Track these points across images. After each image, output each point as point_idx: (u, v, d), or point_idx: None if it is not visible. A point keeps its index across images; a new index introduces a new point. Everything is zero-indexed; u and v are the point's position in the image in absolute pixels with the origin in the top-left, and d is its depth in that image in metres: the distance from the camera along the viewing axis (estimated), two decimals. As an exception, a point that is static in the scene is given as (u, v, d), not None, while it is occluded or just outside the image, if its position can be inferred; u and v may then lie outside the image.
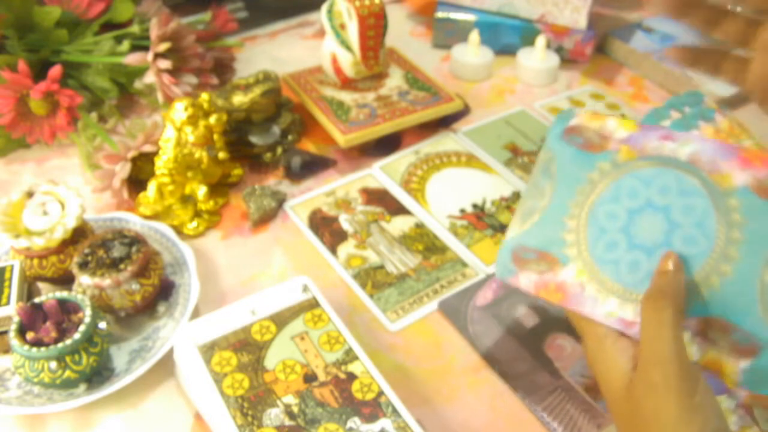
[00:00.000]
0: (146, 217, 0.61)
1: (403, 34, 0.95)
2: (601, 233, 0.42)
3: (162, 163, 0.61)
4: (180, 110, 0.61)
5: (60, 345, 0.46)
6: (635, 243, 0.41)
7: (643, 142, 0.41)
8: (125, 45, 0.73)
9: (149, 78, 0.69)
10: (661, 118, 0.49)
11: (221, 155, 0.65)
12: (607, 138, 0.42)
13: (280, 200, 0.65)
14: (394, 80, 0.76)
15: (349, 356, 0.47)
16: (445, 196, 0.67)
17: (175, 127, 0.61)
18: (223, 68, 0.82)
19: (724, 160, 0.38)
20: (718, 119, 0.45)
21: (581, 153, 0.43)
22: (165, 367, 0.50)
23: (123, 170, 0.61)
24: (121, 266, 0.51)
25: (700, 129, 0.43)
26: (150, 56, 0.67)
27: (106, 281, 0.50)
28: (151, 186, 0.61)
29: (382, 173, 0.69)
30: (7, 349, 0.50)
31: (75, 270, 0.51)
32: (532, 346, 0.53)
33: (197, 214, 0.63)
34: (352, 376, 0.46)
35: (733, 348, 0.38)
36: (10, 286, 0.51)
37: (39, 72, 0.68)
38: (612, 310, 0.40)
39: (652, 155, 0.41)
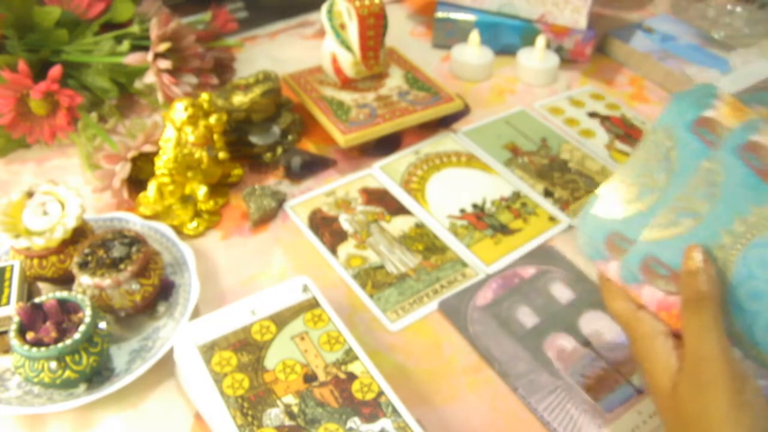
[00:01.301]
0: (146, 217, 0.61)
1: (403, 34, 0.95)
2: (748, 277, 0.36)
3: (162, 163, 0.61)
4: (180, 110, 0.61)
5: (60, 345, 0.46)
6: None
7: None
8: (125, 45, 0.73)
9: (149, 78, 0.69)
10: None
11: (221, 155, 0.65)
12: None
13: (280, 200, 0.65)
14: (394, 80, 0.76)
15: (349, 356, 0.47)
16: (445, 196, 0.67)
17: (175, 127, 0.61)
18: (223, 68, 0.82)
19: None
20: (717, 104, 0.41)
21: (755, 179, 0.37)
22: (165, 367, 0.50)
23: (123, 170, 0.61)
24: (121, 266, 0.51)
25: None
26: (150, 56, 0.67)
27: (106, 281, 0.50)
28: (151, 186, 0.61)
29: (382, 173, 0.69)
30: (7, 349, 0.50)
31: (75, 270, 0.51)
32: (532, 346, 0.53)
33: (197, 214, 0.63)
34: (352, 376, 0.46)
35: None
36: (10, 286, 0.51)
37: (39, 72, 0.68)
38: None
39: None
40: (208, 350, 0.47)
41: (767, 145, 0.37)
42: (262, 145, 0.69)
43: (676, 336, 0.39)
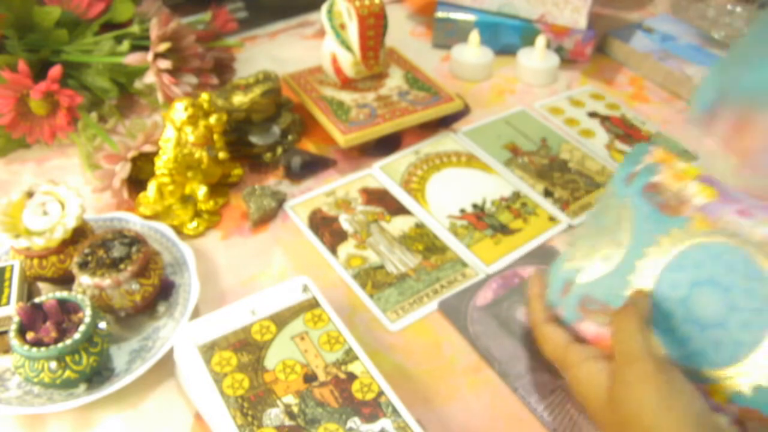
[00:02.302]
0: (146, 217, 0.61)
1: (403, 34, 0.95)
2: (661, 300, 0.41)
3: (162, 163, 0.61)
4: (180, 110, 0.61)
5: (60, 345, 0.46)
6: (692, 316, 0.40)
7: (719, 214, 0.40)
8: (125, 45, 0.73)
9: (149, 78, 0.68)
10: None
11: (221, 155, 0.65)
12: (685, 203, 0.42)
13: (280, 200, 0.65)
14: (394, 80, 0.76)
15: (349, 356, 0.47)
16: (445, 196, 0.67)
17: (175, 127, 0.61)
18: (223, 68, 0.82)
19: None
20: (663, 170, 0.46)
21: (657, 213, 0.42)
22: (165, 367, 0.50)
23: (123, 170, 0.61)
24: (121, 266, 0.51)
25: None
26: (150, 56, 0.67)
27: (106, 281, 0.50)
28: (151, 186, 0.61)
29: (382, 173, 0.69)
30: (7, 349, 0.50)
31: (75, 270, 0.51)
32: (532, 346, 0.53)
33: (197, 214, 0.63)
34: (352, 376, 0.46)
35: None
36: (10, 286, 0.51)
37: (39, 72, 0.68)
38: None
39: (725, 229, 0.39)
40: (208, 350, 0.47)
41: (664, 183, 0.43)
42: (262, 145, 0.69)
43: (604, 359, 0.41)
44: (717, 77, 0.47)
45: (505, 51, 0.88)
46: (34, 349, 0.45)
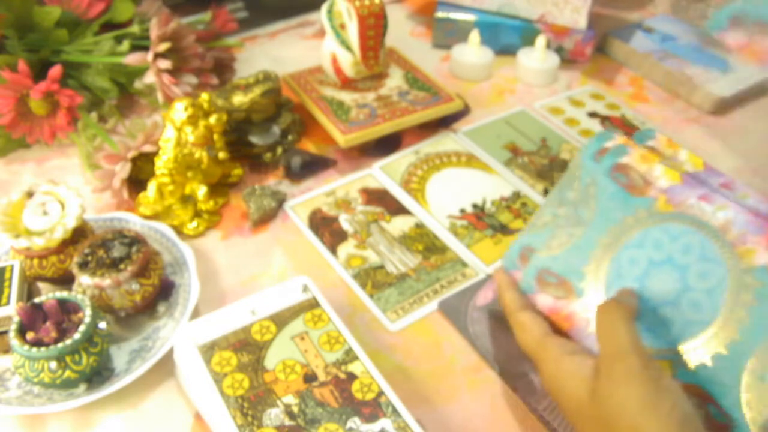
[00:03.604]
0: (146, 217, 0.61)
1: (403, 34, 0.95)
2: (618, 277, 0.43)
3: (162, 163, 0.61)
4: (180, 110, 0.61)
5: (60, 345, 0.46)
6: (647, 294, 0.41)
7: (682, 198, 0.41)
8: (125, 45, 0.73)
9: (149, 78, 0.68)
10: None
11: (221, 155, 0.65)
12: (650, 184, 0.43)
13: (280, 200, 0.65)
14: (394, 80, 0.76)
15: (349, 356, 0.47)
16: (445, 196, 0.67)
17: (175, 127, 0.61)
18: (223, 68, 0.82)
19: (755, 234, 0.38)
20: (658, 137, 0.47)
21: (623, 193, 0.44)
22: (165, 367, 0.50)
23: (123, 170, 0.61)
24: (121, 266, 0.51)
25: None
26: (150, 56, 0.67)
27: (106, 281, 0.50)
28: (151, 186, 0.61)
29: (382, 173, 0.69)
30: (7, 349, 0.50)
31: (75, 270, 0.51)
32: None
33: (197, 214, 0.63)
34: (352, 376, 0.46)
35: (705, 419, 0.38)
36: (10, 286, 0.51)
37: (39, 72, 0.68)
38: None
39: (686, 213, 0.41)
40: (208, 350, 0.47)
41: (631, 165, 0.44)
42: (262, 145, 0.69)
43: (583, 353, 0.42)
44: (730, 9, 0.49)
45: (505, 51, 0.88)
46: (34, 349, 0.45)
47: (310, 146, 0.73)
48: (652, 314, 0.41)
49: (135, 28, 0.74)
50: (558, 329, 0.45)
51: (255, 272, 0.59)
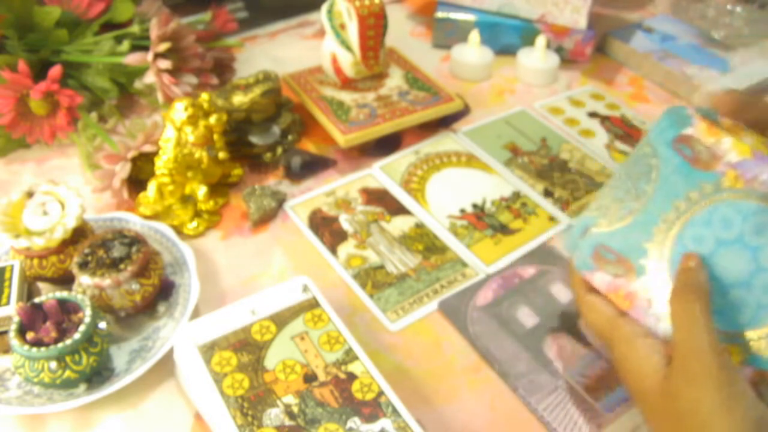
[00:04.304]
0: (146, 217, 0.61)
1: (403, 34, 0.95)
2: (682, 254, 0.40)
3: (162, 163, 0.61)
4: (180, 110, 0.61)
5: (60, 345, 0.46)
6: (715, 275, 0.39)
7: (754, 173, 0.38)
8: (125, 45, 0.73)
9: (149, 78, 0.68)
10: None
11: (221, 155, 0.65)
12: (718, 158, 0.40)
13: (280, 200, 0.65)
14: (394, 80, 0.76)
15: (349, 356, 0.47)
16: (445, 196, 0.67)
17: (175, 127, 0.61)
18: (223, 68, 0.82)
19: None
20: (721, 120, 0.44)
21: (687, 166, 0.41)
22: (165, 367, 0.50)
23: (123, 170, 0.61)
24: (121, 266, 0.51)
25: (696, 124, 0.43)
26: (150, 56, 0.67)
27: (106, 281, 0.50)
28: (151, 186, 0.61)
29: (382, 173, 0.69)
30: (7, 349, 0.50)
31: (75, 270, 0.51)
32: (532, 346, 0.53)
33: (197, 214, 0.63)
34: (352, 376, 0.46)
35: None
36: (10, 286, 0.51)
37: (39, 72, 0.68)
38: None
39: (758, 190, 0.38)
40: (208, 350, 0.47)
41: (696, 137, 0.41)
42: (262, 145, 0.69)
43: (656, 337, 0.40)
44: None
45: (505, 51, 0.88)
46: (34, 349, 0.45)
47: (310, 146, 0.73)
48: (721, 296, 0.39)
49: (135, 28, 0.74)
50: (618, 309, 0.43)
51: (255, 272, 0.59)
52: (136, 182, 0.64)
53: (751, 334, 0.38)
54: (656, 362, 0.38)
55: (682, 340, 0.37)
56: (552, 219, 0.65)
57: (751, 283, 0.38)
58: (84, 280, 0.50)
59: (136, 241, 0.53)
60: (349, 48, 0.73)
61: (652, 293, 0.42)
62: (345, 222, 0.64)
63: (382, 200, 0.66)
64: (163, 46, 0.67)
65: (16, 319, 0.47)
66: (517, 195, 0.67)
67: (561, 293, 0.57)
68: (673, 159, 0.41)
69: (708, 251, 0.39)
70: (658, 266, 0.42)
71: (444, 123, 0.76)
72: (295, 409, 0.44)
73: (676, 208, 0.41)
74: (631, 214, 0.43)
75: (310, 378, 0.46)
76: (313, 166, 0.69)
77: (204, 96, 0.63)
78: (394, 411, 0.44)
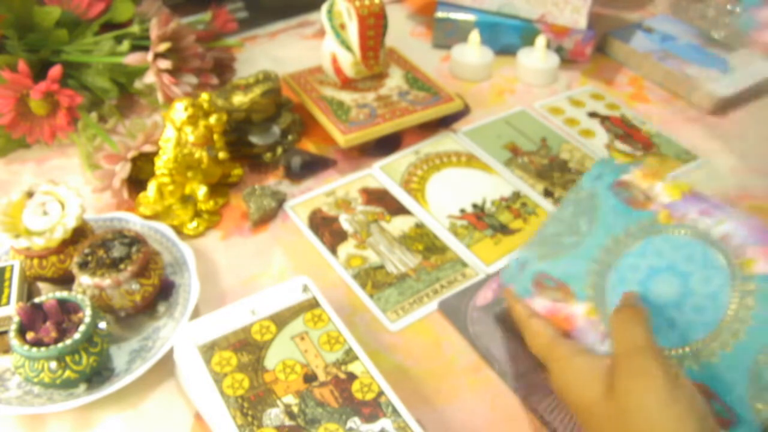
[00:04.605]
0: (146, 217, 0.61)
1: (403, 34, 0.95)
2: (619, 282, 0.45)
3: (162, 163, 0.61)
4: (180, 110, 0.61)
5: (60, 345, 0.46)
6: (650, 298, 0.43)
7: (683, 212, 0.44)
8: (125, 45, 0.73)
9: (149, 78, 0.68)
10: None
11: (221, 155, 0.65)
12: (652, 199, 0.46)
13: (280, 200, 0.65)
14: (394, 80, 0.76)
15: (349, 356, 0.47)
16: (445, 196, 0.67)
17: (175, 127, 0.61)
18: (223, 68, 0.82)
19: (754, 245, 0.41)
20: (632, 171, 0.50)
21: (624, 207, 0.46)
22: (165, 367, 0.50)
23: (123, 170, 0.61)
24: (121, 266, 0.51)
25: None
26: (150, 56, 0.67)
27: (106, 281, 0.50)
28: (151, 186, 0.61)
29: (382, 173, 0.69)
30: (7, 349, 0.50)
31: (75, 270, 0.51)
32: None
33: (197, 214, 0.63)
34: (352, 376, 0.46)
35: None
36: (10, 286, 0.51)
37: (39, 72, 0.68)
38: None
39: (688, 225, 0.43)
40: (208, 350, 0.47)
41: (632, 182, 0.47)
42: (262, 145, 0.69)
43: (595, 353, 0.43)
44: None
45: (505, 51, 0.88)
46: (34, 349, 0.45)
47: (310, 146, 0.73)
48: (656, 316, 0.42)
49: (135, 28, 0.74)
50: (559, 330, 0.46)
51: (255, 272, 0.59)
52: (136, 182, 0.64)
53: (682, 350, 0.42)
54: (596, 374, 0.40)
55: (621, 344, 0.39)
56: (552, 219, 0.65)
57: (682, 304, 0.42)
58: (84, 280, 0.50)
59: (136, 241, 0.53)
60: (349, 48, 0.73)
61: (592, 316, 0.45)
62: (345, 222, 0.64)
63: (382, 200, 0.66)
64: (163, 46, 0.67)
65: (16, 319, 0.47)
66: (517, 195, 0.67)
67: (561, 293, 0.57)
68: (611, 200, 0.47)
69: (643, 277, 0.44)
70: (596, 292, 0.45)
71: (444, 123, 0.76)
72: (295, 409, 0.44)
73: (615, 240, 0.46)
74: (571, 246, 0.47)
75: (310, 378, 0.46)
76: (313, 166, 0.69)
77: (204, 96, 0.63)
78: (394, 411, 0.44)
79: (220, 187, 0.66)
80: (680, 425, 0.35)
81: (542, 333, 0.45)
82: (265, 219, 0.64)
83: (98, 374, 0.49)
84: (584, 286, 0.46)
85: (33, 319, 0.48)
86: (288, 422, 0.43)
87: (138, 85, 0.76)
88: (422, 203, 0.66)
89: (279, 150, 0.70)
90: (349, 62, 0.74)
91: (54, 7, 0.71)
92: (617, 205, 0.47)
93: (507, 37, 0.88)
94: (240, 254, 0.61)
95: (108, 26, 0.75)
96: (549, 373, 0.43)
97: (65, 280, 0.54)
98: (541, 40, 0.83)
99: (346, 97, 0.73)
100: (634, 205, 0.46)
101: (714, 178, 0.71)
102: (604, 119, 0.79)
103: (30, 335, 0.47)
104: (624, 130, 0.77)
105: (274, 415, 0.43)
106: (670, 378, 0.36)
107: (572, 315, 0.45)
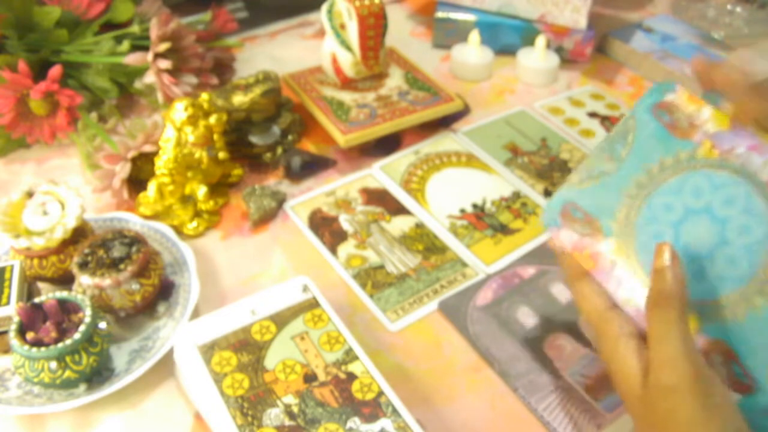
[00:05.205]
0: (146, 217, 0.61)
1: (403, 34, 0.95)
2: (651, 220, 0.40)
3: (162, 163, 0.61)
4: (180, 110, 0.61)
5: (60, 345, 0.46)
6: (680, 243, 0.39)
7: (730, 145, 0.38)
8: (125, 45, 0.73)
9: (149, 78, 0.69)
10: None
11: (221, 155, 0.65)
12: (696, 127, 0.40)
13: (280, 200, 0.65)
14: (394, 80, 0.76)
15: (349, 356, 0.47)
16: (445, 196, 0.67)
17: (175, 127, 0.61)
18: (223, 68, 0.82)
19: None
20: (679, 90, 0.43)
21: (665, 132, 0.41)
22: (165, 367, 0.50)
23: (123, 170, 0.61)
24: (121, 266, 0.51)
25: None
26: (150, 56, 0.67)
27: (106, 281, 0.50)
28: (151, 186, 0.61)
29: (382, 173, 0.69)
30: (7, 349, 0.50)
31: (75, 270, 0.51)
32: (532, 346, 0.53)
33: (197, 214, 0.63)
34: (352, 376, 0.46)
35: (728, 377, 0.37)
36: (10, 286, 0.51)
37: (39, 72, 0.68)
38: (631, 297, 0.40)
39: (733, 162, 0.38)
40: (208, 350, 0.47)
41: (676, 104, 0.41)
42: (262, 145, 0.69)
43: (638, 339, 0.39)
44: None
45: (505, 51, 0.88)
46: (34, 349, 0.45)
47: (310, 146, 0.73)
48: (684, 264, 0.38)
49: (135, 28, 0.74)
50: (609, 301, 0.42)
51: (255, 272, 0.59)
52: (136, 182, 0.64)
53: (708, 304, 0.38)
54: (635, 366, 0.38)
55: (656, 350, 0.37)
56: (552, 219, 0.65)
57: (714, 254, 0.38)
58: (84, 280, 0.50)
59: (136, 241, 0.53)
60: (349, 48, 0.73)
61: (616, 256, 0.42)
62: (345, 222, 0.64)
63: (382, 200, 0.66)
64: (163, 46, 0.67)
65: (16, 319, 0.47)
66: (517, 195, 0.67)
67: (561, 293, 0.57)
68: (651, 123, 0.41)
69: (676, 219, 0.39)
70: (625, 229, 0.41)
71: (444, 123, 0.76)
72: (295, 409, 0.44)
73: (649, 173, 0.41)
74: (603, 174, 0.43)
75: (310, 378, 0.46)
76: (313, 166, 0.70)
77: (204, 96, 0.63)
78: (394, 411, 0.44)
79: (220, 187, 0.66)
80: None
81: (594, 300, 0.42)
82: (265, 219, 0.64)
83: (98, 374, 0.49)
84: (612, 220, 0.42)
85: (33, 319, 0.48)
86: (288, 422, 0.43)
87: (138, 85, 0.76)
88: (422, 203, 0.66)
89: (279, 150, 0.70)
90: (349, 62, 0.74)
91: (54, 7, 0.71)
92: (656, 130, 0.41)
93: (507, 37, 0.88)
94: (240, 254, 0.61)
95: (108, 26, 0.75)
96: (598, 344, 0.41)
97: (65, 280, 0.54)
98: (541, 40, 0.83)
99: (346, 97, 0.73)
100: (675, 132, 0.40)
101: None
102: (604, 119, 0.79)
103: (30, 335, 0.47)
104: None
105: (274, 415, 0.43)
106: (703, 397, 0.34)
107: (597, 253, 0.42)
